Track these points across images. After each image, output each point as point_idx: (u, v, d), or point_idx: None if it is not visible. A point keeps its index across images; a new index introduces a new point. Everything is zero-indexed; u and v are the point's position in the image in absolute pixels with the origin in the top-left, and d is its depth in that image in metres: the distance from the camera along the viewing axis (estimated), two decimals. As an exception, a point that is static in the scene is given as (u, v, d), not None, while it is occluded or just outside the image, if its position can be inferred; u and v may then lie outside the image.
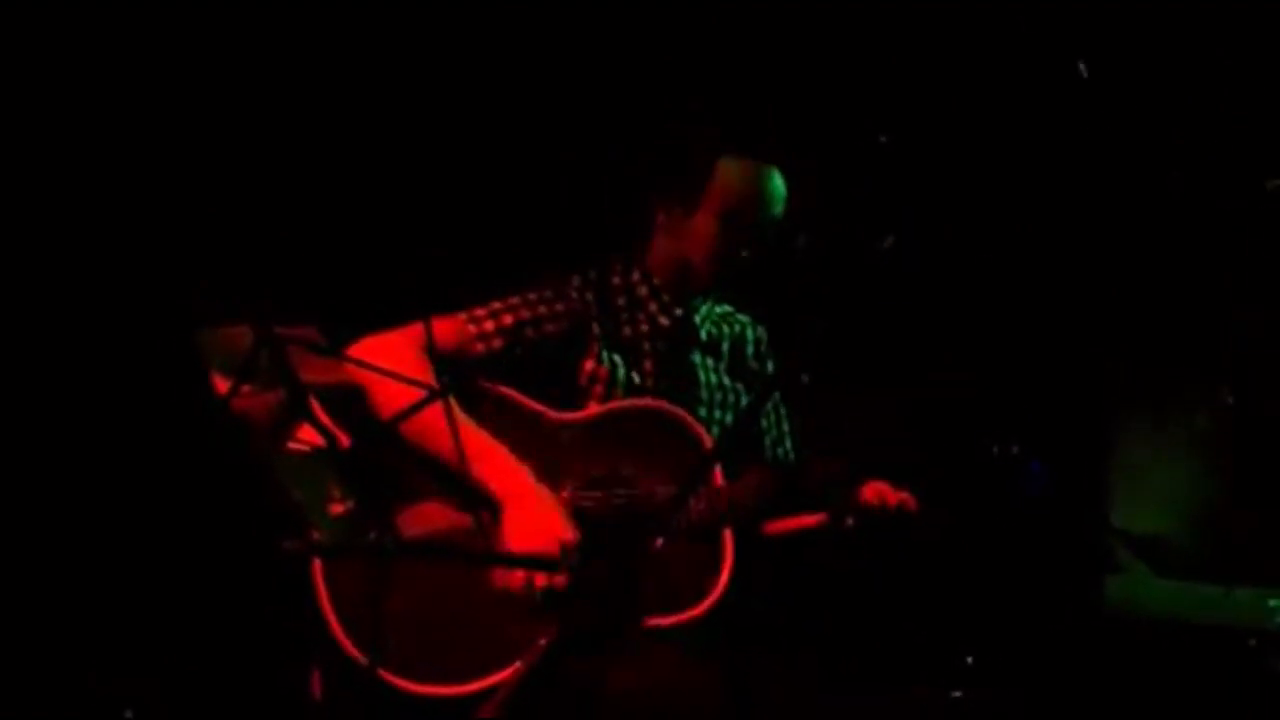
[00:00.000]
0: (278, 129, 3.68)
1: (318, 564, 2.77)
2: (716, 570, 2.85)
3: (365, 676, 2.67)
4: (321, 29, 3.71)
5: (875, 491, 2.94)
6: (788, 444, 3.27)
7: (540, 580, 2.74)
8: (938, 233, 3.49)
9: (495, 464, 2.83)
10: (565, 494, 2.88)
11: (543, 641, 2.47)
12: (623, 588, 2.68)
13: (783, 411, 3.28)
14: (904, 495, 2.95)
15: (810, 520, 3.07)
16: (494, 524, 2.80)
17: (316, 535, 2.73)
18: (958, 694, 3.15)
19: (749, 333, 3.30)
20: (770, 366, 3.28)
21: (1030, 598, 3.67)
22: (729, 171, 3.09)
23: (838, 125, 3.73)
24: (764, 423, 3.23)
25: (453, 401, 2.66)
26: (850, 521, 2.96)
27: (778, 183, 3.11)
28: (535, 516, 2.79)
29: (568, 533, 2.78)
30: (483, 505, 2.82)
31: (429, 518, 2.84)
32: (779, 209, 3.11)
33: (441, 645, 2.73)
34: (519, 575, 2.75)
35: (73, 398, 3.58)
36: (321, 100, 3.70)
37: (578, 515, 2.84)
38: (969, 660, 3.46)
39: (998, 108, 3.75)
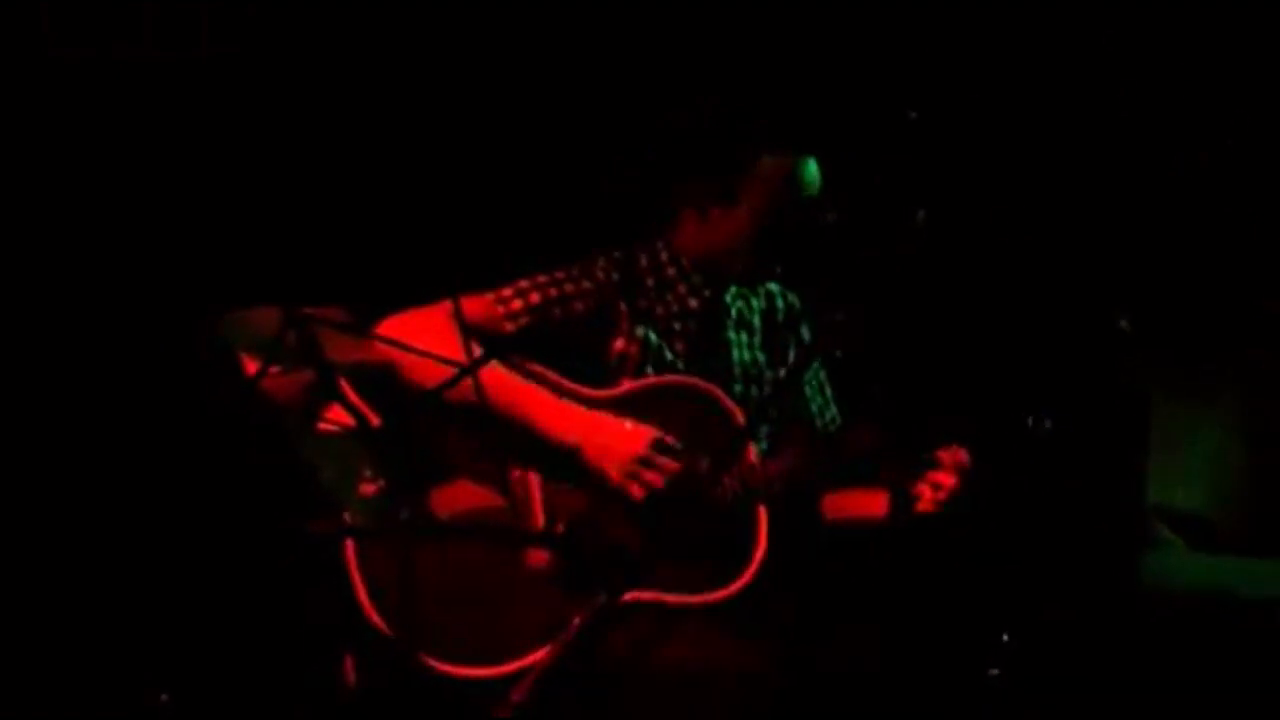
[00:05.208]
0: (305, 109, 3.69)
1: (350, 545, 2.75)
2: (750, 550, 2.83)
3: (399, 658, 2.65)
4: (355, 18, 3.72)
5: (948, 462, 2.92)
6: (833, 409, 3.25)
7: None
8: (971, 208, 3.46)
9: (552, 412, 2.86)
10: None
11: (577, 621, 2.46)
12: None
13: (823, 377, 3.25)
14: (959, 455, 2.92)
15: (877, 510, 3.04)
16: (576, 470, 2.84)
17: (347, 516, 2.73)
18: (995, 672, 3.13)
19: (778, 300, 3.27)
20: (805, 332, 3.26)
21: (1066, 574, 3.65)
22: (770, 167, 3.07)
23: (867, 101, 3.71)
24: (808, 390, 3.21)
25: (496, 364, 2.71)
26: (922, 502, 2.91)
27: (814, 172, 3.11)
28: (614, 433, 2.84)
29: (647, 430, 2.83)
30: (549, 455, 2.84)
31: (461, 498, 2.83)
32: (816, 194, 3.12)
33: (476, 626, 2.72)
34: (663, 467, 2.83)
35: (101, 386, 3.59)
36: (351, 81, 3.71)
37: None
38: (1005, 638, 3.43)
39: (1030, 83, 3.73)
